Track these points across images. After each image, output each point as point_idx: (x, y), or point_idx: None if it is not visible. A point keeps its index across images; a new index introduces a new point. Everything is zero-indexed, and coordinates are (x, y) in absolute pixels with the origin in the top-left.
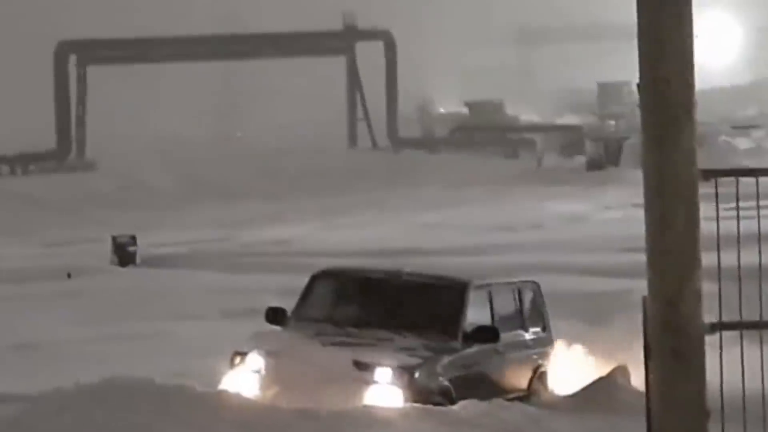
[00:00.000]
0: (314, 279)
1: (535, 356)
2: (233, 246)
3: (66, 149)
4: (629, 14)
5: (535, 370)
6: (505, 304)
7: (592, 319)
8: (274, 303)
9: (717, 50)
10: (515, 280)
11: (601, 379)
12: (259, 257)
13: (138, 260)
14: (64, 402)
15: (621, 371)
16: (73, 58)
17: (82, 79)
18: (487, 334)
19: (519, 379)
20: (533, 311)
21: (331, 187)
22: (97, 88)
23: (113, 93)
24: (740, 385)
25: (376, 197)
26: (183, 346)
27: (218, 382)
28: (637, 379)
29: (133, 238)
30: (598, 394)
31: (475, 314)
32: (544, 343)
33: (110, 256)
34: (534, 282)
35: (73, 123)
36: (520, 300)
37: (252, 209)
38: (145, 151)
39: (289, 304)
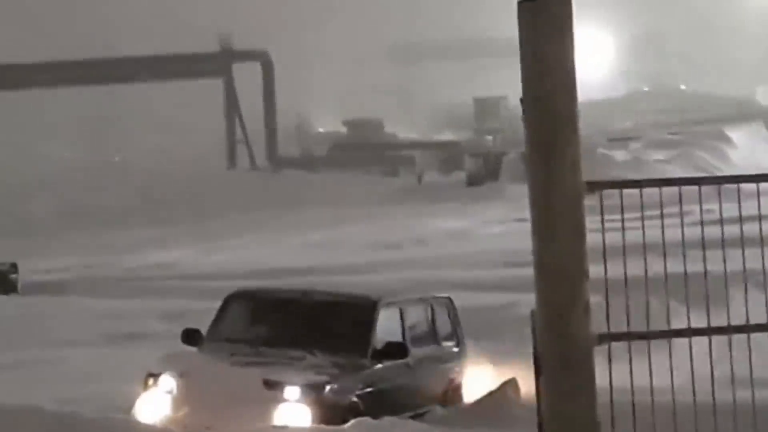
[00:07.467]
0: (228, 300)
1: (447, 370)
2: (115, 271)
3: None
4: (506, 30)
5: (448, 384)
6: (418, 320)
7: (478, 334)
8: (157, 327)
9: (590, 63)
10: (427, 296)
11: (491, 393)
12: (141, 282)
13: (20, 288)
14: None
15: (511, 385)
16: None
17: None
18: (395, 350)
19: (431, 393)
20: (446, 326)
21: (211, 210)
22: None
23: None
24: (629, 395)
25: (258, 218)
26: (69, 372)
27: (108, 406)
28: (527, 392)
29: (14, 266)
30: (489, 409)
31: (386, 331)
32: (458, 356)
33: None
34: (447, 297)
35: None
36: (433, 315)
37: (133, 234)
38: (22, 177)
39: (173, 328)
